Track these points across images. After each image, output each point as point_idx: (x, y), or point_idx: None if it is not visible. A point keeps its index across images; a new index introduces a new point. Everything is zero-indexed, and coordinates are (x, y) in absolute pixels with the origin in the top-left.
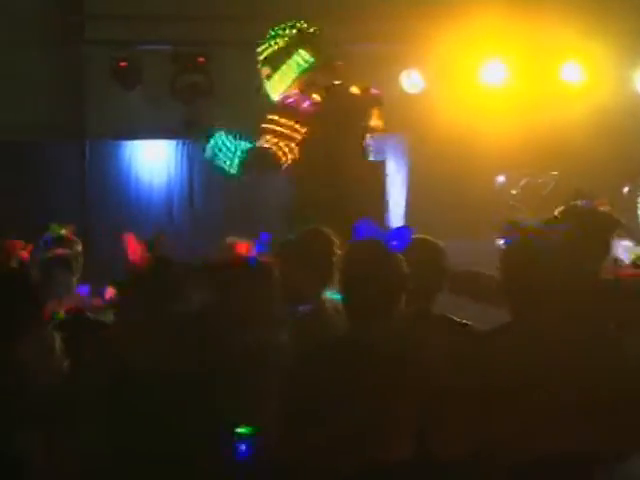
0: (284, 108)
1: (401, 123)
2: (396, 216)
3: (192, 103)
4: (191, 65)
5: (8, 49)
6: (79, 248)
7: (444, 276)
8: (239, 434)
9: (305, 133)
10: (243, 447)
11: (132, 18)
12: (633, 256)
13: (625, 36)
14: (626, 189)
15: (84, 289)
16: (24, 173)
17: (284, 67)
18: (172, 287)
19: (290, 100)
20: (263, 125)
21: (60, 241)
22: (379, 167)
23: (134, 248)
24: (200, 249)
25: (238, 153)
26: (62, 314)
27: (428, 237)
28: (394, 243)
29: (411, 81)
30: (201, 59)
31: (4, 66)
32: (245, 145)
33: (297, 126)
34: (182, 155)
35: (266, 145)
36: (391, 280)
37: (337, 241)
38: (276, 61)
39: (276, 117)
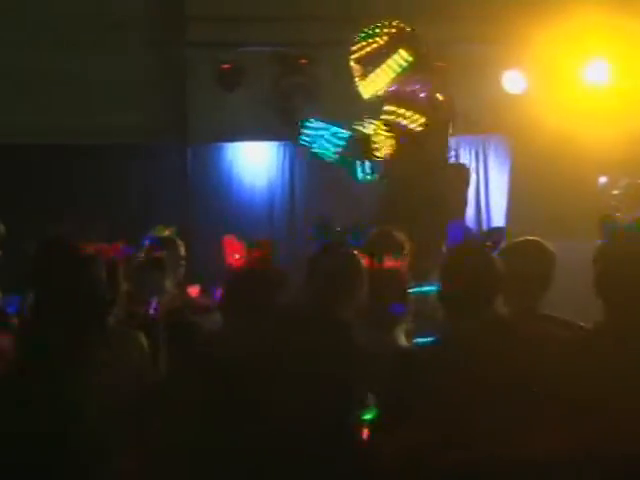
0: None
1: (503, 124)
2: (497, 216)
3: (294, 104)
4: (294, 66)
5: (112, 52)
6: (181, 250)
7: (550, 277)
8: (364, 420)
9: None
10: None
11: (234, 20)
12: None
13: None
14: None
15: (194, 289)
16: (128, 175)
17: (383, 67)
18: (272, 287)
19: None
20: (382, 117)
21: (163, 242)
22: (463, 170)
23: (233, 250)
24: (299, 252)
25: (334, 140)
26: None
27: (536, 239)
28: (489, 244)
29: (513, 81)
30: (303, 60)
31: (108, 70)
32: (343, 133)
33: (416, 116)
34: (284, 157)
35: (373, 133)
36: (488, 281)
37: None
38: (373, 60)
39: (394, 108)
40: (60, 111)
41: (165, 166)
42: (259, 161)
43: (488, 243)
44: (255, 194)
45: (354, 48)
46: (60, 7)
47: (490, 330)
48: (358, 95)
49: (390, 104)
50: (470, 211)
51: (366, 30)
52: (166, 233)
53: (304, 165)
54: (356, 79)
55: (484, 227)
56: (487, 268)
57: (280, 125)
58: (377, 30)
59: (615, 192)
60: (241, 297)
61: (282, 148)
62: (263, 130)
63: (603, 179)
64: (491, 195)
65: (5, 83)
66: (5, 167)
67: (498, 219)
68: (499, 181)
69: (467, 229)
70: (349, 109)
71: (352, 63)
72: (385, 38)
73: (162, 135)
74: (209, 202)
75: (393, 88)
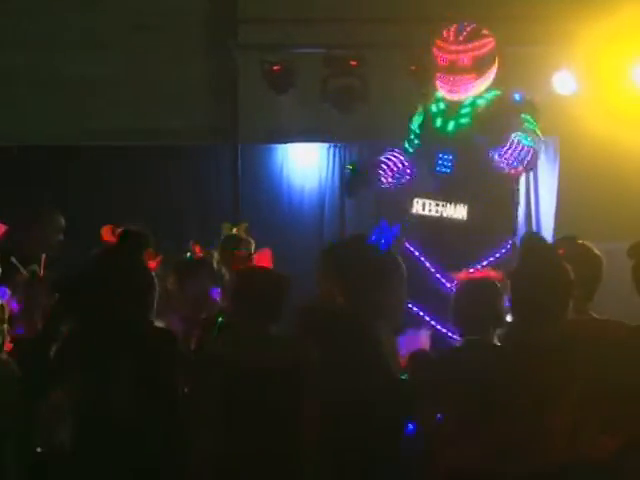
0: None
1: (553, 125)
2: (546, 217)
3: (345, 106)
4: (344, 68)
5: (165, 55)
6: (251, 248)
7: (599, 279)
8: None
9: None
10: (410, 426)
11: (284, 21)
12: None
13: None
14: None
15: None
16: (180, 175)
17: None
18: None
19: None
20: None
21: (233, 240)
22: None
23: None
24: None
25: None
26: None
27: (586, 243)
28: (561, 251)
29: (563, 83)
30: (354, 62)
31: (162, 72)
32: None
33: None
34: (334, 159)
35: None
36: (560, 287)
37: None
38: (489, 60)
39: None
40: (117, 113)
41: (217, 166)
42: (309, 163)
43: (560, 250)
44: (305, 196)
45: (470, 46)
46: (116, 10)
47: (564, 336)
48: (407, 96)
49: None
50: (520, 212)
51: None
52: (234, 231)
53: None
54: (468, 77)
55: (534, 229)
56: (562, 275)
57: (330, 126)
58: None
59: None
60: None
61: (332, 150)
62: (313, 131)
63: None
64: (540, 196)
65: (62, 88)
66: (66, 167)
67: (547, 220)
68: (548, 182)
69: (539, 236)
70: (397, 109)
71: (466, 61)
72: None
73: (214, 136)
74: (259, 203)
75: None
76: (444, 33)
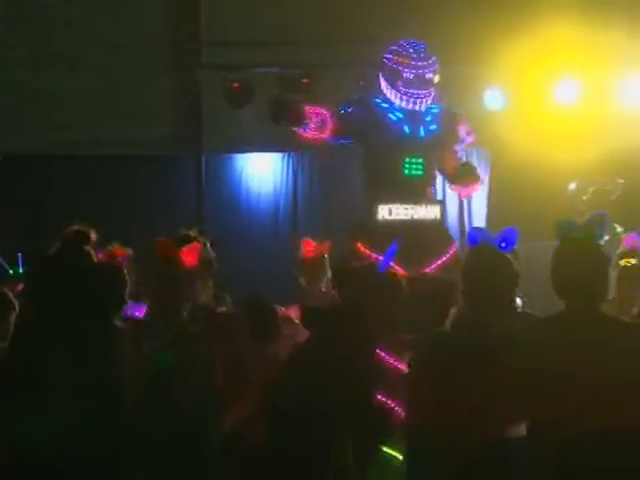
0: None
1: (485, 137)
2: (478, 222)
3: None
4: (296, 85)
5: (136, 73)
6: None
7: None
8: None
9: None
10: None
11: (243, 44)
12: None
13: None
14: None
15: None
16: (150, 182)
17: None
18: None
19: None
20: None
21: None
22: None
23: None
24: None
25: None
26: None
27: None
28: (503, 245)
29: (493, 99)
30: (305, 80)
31: (132, 89)
32: None
33: None
34: (287, 167)
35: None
36: (507, 278)
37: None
38: None
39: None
40: (88, 125)
41: (183, 174)
42: (265, 170)
43: (502, 244)
44: (261, 200)
45: (431, 61)
46: (91, 31)
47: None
48: None
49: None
50: (453, 216)
51: None
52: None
53: (306, 174)
54: (430, 90)
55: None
56: (505, 267)
57: (284, 138)
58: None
59: (584, 197)
60: None
61: (285, 158)
62: (269, 142)
63: (573, 185)
64: (473, 202)
65: (37, 101)
66: (37, 176)
67: (479, 221)
68: (480, 188)
69: (484, 233)
70: None
71: (430, 75)
72: None
73: (180, 147)
74: (221, 206)
75: None
76: (403, 50)
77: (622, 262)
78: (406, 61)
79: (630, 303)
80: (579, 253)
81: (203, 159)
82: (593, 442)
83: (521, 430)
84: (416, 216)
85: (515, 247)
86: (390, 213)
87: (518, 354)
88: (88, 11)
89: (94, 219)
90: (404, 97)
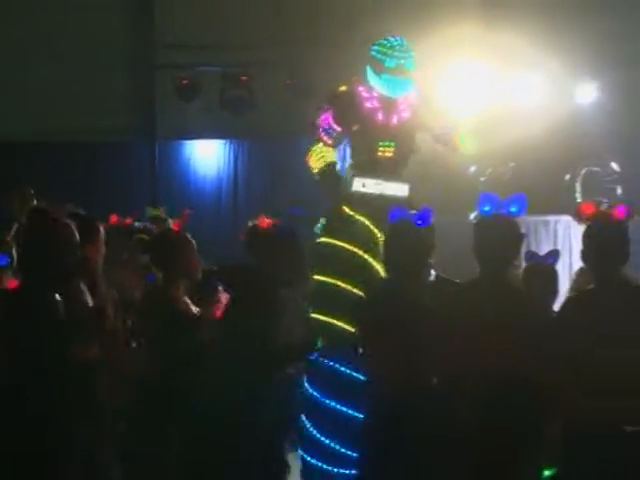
0: None
1: None
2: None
3: (237, 111)
4: (236, 82)
5: (98, 69)
6: (169, 223)
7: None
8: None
9: None
10: None
11: (191, 47)
12: None
13: (567, 53)
14: (567, 177)
15: None
16: (108, 167)
17: None
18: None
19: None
20: None
21: (155, 220)
22: None
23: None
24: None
25: None
26: None
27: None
28: (419, 222)
29: None
30: (244, 78)
31: (94, 82)
32: None
33: None
34: (229, 152)
35: None
36: (419, 249)
37: None
38: None
39: None
40: (53, 114)
41: (138, 159)
42: (210, 155)
43: (419, 221)
44: (207, 182)
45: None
46: (52, 27)
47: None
48: (285, 104)
49: None
50: None
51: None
52: (155, 212)
53: (245, 159)
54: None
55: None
56: (419, 240)
57: (227, 127)
58: None
59: (482, 179)
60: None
61: (227, 145)
62: (213, 131)
63: (472, 168)
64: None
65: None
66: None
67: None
68: None
69: (404, 212)
70: (278, 114)
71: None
72: None
73: (136, 135)
74: (172, 188)
75: None
76: (388, 43)
77: None
78: (389, 52)
79: None
80: (495, 226)
81: (156, 146)
82: (491, 394)
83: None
84: (386, 192)
85: (431, 223)
86: (364, 186)
87: (432, 318)
88: (54, 2)
89: (58, 200)
90: (386, 85)
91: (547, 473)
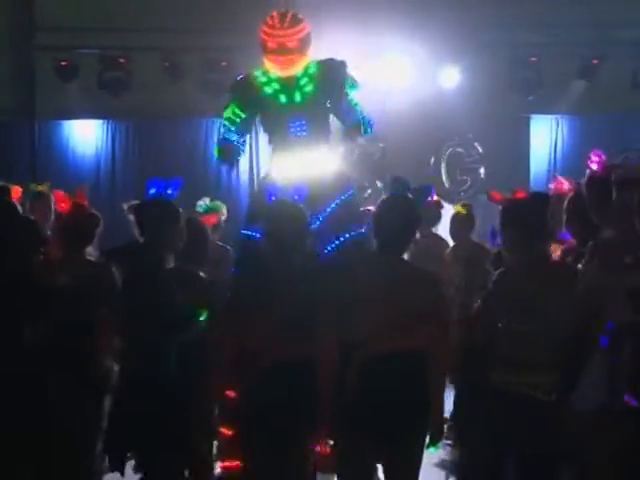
0: None
1: None
2: None
3: (115, 92)
4: (115, 64)
5: None
6: (52, 203)
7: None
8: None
9: None
10: None
11: (71, 29)
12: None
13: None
14: (432, 159)
15: None
16: None
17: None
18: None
19: None
20: None
21: (37, 196)
22: None
23: (60, 201)
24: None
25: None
26: None
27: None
28: (296, 197)
29: None
30: (122, 60)
31: None
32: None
33: None
34: (107, 132)
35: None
36: (296, 224)
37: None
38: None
39: None
40: None
41: (18, 137)
42: (89, 135)
43: (296, 196)
44: (85, 160)
45: (294, 30)
46: None
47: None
48: (161, 86)
49: None
50: None
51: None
52: (39, 189)
53: (123, 139)
54: (296, 56)
55: None
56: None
57: (104, 108)
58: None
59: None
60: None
61: (105, 125)
62: (92, 111)
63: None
64: None
65: None
66: None
67: None
68: None
69: (283, 190)
70: (152, 96)
71: (293, 43)
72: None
73: (16, 114)
74: (51, 166)
75: None
76: (269, 21)
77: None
78: (269, 31)
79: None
80: (394, 206)
81: (36, 125)
82: (380, 361)
83: None
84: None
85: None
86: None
87: (312, 288)
88: None
89: None
90: (272, 65)
91: (432, 450)
